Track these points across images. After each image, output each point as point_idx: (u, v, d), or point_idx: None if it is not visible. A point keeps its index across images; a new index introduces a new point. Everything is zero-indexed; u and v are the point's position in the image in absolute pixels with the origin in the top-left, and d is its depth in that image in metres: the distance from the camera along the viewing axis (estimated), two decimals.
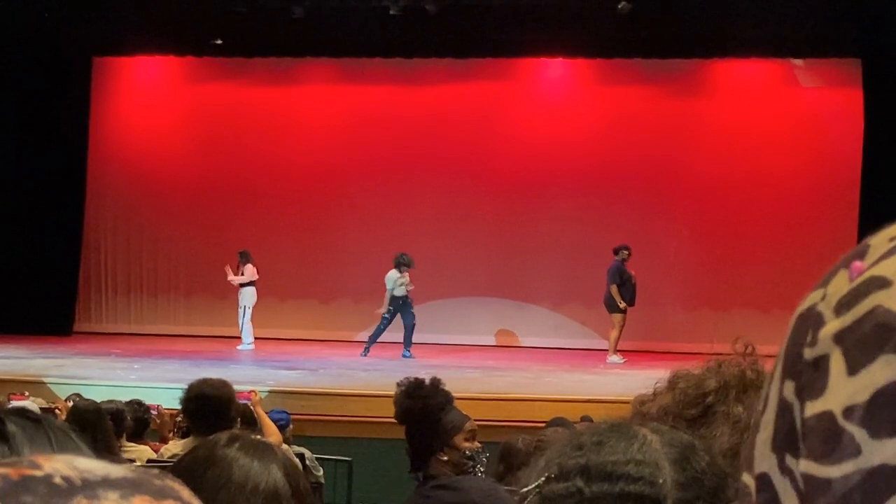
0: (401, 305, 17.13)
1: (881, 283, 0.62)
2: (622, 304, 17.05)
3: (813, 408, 0.66)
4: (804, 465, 0.67)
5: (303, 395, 13.08)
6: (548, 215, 19.13)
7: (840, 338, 0.65)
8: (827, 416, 0.65)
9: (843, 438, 0.64)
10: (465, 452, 4.70)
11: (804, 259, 18.35)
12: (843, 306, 0.64)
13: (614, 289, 17.10)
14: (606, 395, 12.06)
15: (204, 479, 1.92)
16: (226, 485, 1.92)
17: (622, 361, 16.88)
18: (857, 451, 0.64)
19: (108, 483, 0.66)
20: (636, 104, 19.02)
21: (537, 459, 1.35)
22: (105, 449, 6.42)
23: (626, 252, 17.27)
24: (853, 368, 0.64)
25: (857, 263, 0.64)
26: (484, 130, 19.35)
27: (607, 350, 17.35)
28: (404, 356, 16.93)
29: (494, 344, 18.86)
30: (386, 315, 17.13)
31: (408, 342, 17.11)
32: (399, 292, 17.12)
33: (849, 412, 0.64)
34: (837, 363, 0.66)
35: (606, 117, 19.19)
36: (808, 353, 0.68)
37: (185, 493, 0.69)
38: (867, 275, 0.63)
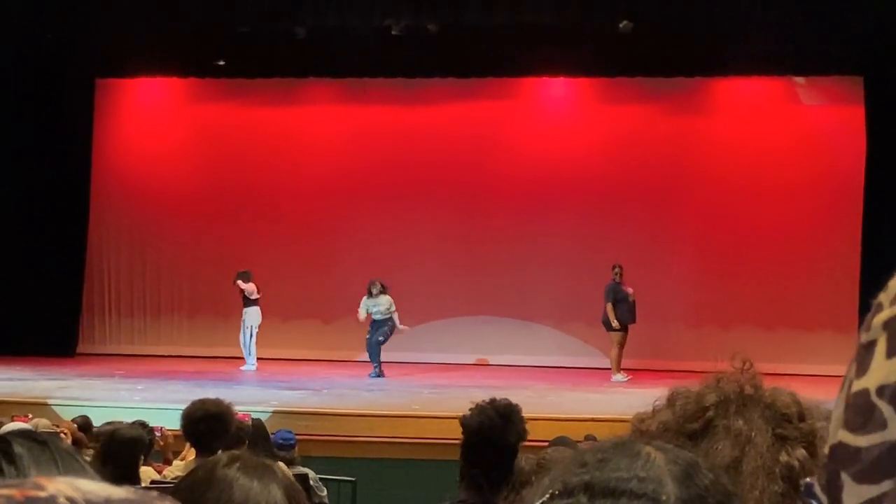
0: (382, 325, 17.18)
1: None
2: (615, 323, 17.03)
3: (857, 385, 0.75)
4: (841, 435, 0.76)
5: (306, 416, 13.06)
6: (551, 233, 19.14)
7: (888, 324, 0.74)
8: (864, 393, 0.74)
9: (875, 413, 0.72)
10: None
11: (808, 276, 18.37)
12: None
13: (609, 307, 17.10)
14: (610, 414, 12.04)
15: (204, 500, 1.92)
16: None
17: (626, 379, 16.86)
18: (883, 425, 0.72)
19: None
20: (638, 122, 19.04)
21: (540, 478, 1.35)
22: (131, 476, 6.39)
23: (616, 270, 17.26)
24: (891, 352, 0.73)
25: None
26: (486, 149, 19.37)
27: (610, 369, 17.33)
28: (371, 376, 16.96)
29: (498, 363, 18.80)
30: (368, 337, 17.19)
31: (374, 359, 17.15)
32: (376, 316, 17.17)
33: (881, 390, 0.73)
34: (881, 346, 0.74)
35: (609, 135, 19.20)
36: (863, 337, 0.77)
37: None
38: None
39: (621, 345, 17.21)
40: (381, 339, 17.11)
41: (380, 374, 16.98)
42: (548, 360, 18.70)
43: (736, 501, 1.28)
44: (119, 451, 6.59)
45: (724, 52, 17.43)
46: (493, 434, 4.56)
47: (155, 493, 0.71)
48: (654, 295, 18.27)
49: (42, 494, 0.66)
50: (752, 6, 16.55)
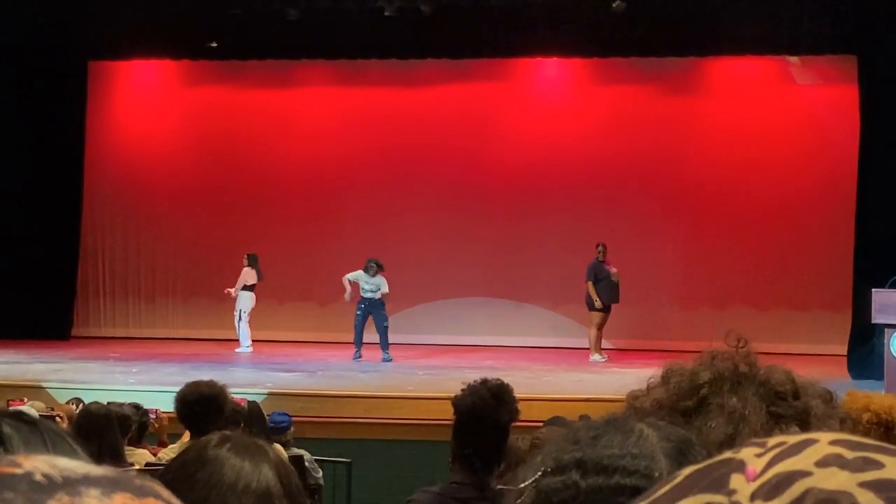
0: (373, 306, 17.06)
1: (802, 474, 0.68)
2: (597, 303, 16.99)
3: None
4: None
5: (301, 397, 13.08)
6: (545, 215, 19.14)
7: None
8: None
9: None
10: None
11: (801, 256, 18.40)
12: (769, 494, 0.68)
13: (590, 286, 17.05)
14: (605, 394, 12.06)
15: (195, 480, 1.91)
16: (217, 485, 1.91)
17: (604, 360, 16.87)
18: None
19: (88, 481, 0.67)
20: (632, 103, 19.04)
21: (534, 456, 1.35)
22: (111, 455, 6.40)
23: (600, 249, 17.20)
24: None
25: (750, 468, 0.70)
26: (480, 131, 19.37)
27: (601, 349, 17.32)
28: (384, 360, 16.83)
29: (492, 344, 18.81)
30: (358, 312, 17.06)
31: (384, 345, 17.02)
32: (365, 293, 17.04)
33: None
34: None
35: (603, 117, 19.20)
36: None
37: (165, 492, 0.70)
38: (775, 472, 0.69)
39: (600, 325, 17.15)
40: (386, 324, 17.03)
41: (359, 357, 16.92)
42: (542, 341, 18.74)
43: None
44: (92, 425, 6.58)
45: (717, 32, 17.42)
46: (486, 414, 4.55)
47: (134, 472, 0.71)
48: (648, 275, 18.31)
49: (18, 471, 0.66)
50: None
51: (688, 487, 0.71)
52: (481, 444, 4.52)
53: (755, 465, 0.70)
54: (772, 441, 0.72)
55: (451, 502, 4.51)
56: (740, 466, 0.70)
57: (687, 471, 0.73)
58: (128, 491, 0.67)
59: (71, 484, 0.66)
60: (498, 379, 4.78)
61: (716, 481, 0.70)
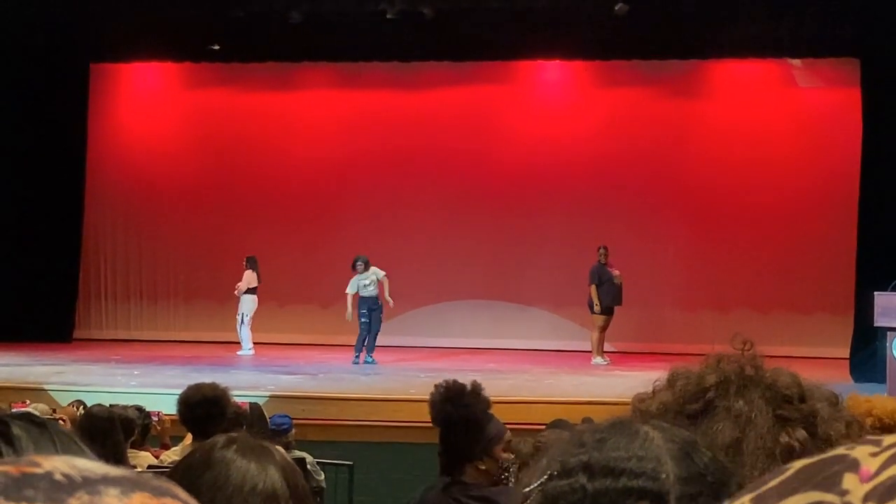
0: (374, 307, 17.05)
1: None
2: (596, 307, 16.96)
3: None
4: None
5: (303, 400, 13.08)
6: (547, 217, 19.15)
7: None
8: None
9: None
10: (501, 463, 4.69)
11: (803, 260, 18.40)
12: (883, 497, 0.67)
13: (592, 289, 17.03)
14: (608, 397, 12.06)
15: (201, 482, 1.92)
16: (223, 486, 1.92)
17: (606, 363, 16.87)
18: None
19: (108, 480, 0.68)
20: (634, 106, 19.05)
21: (538, 459, 1.36)
22: (113, 458, 6.39)
23: (602, 252, 17.16)
24: None
25: (864, 468, 0.69)
26: (482, 133, 19.37)
27: (603, 352, 17.32)
28: (367, 362, 16.83)
29: (494, 347, 18.81)
30: (363, 320, 17.06)
31: (371, 348, 17.04)
32: (366, 293, 17.04)
33: None
34: None
35: (604, 119, 19.21)
36: None
37: (182, 493, 0.71)
38: (890, 473, 0.68)
39: (603, 328, 17.12)
40: (377, 329, 17.02)
41: (357, 362, 16.92)
42: (544, 344, 18.73)
43: (734, 479, 1.28)
44: (94, 428, 6.57)
45: (720, 35, 17.41)
46: (456, 418, 4.65)
47: (151, 473, 0.72)
48: (649, 278, 18.30)
49: (38, 470, 0.67)
50: None
51: (799, 483, 0.70)
52: (461, 443, 4.60)
53: (869, 465, 0.69)
54: (888, 440, 0.70)
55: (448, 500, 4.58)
56: (854, 465, 0.69)
57: (798, 464, 0.71)
58: (146, 491, 0.68)
59: (90, 483, 0.67)
60: (445, 382, 4.89)
61: (828, 479, 0.69)
